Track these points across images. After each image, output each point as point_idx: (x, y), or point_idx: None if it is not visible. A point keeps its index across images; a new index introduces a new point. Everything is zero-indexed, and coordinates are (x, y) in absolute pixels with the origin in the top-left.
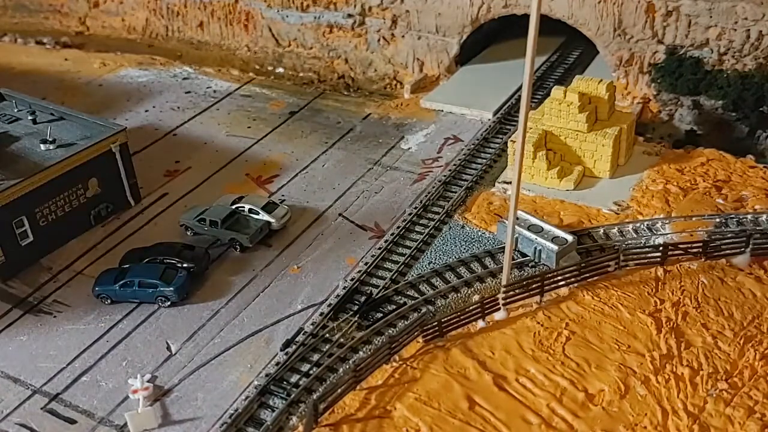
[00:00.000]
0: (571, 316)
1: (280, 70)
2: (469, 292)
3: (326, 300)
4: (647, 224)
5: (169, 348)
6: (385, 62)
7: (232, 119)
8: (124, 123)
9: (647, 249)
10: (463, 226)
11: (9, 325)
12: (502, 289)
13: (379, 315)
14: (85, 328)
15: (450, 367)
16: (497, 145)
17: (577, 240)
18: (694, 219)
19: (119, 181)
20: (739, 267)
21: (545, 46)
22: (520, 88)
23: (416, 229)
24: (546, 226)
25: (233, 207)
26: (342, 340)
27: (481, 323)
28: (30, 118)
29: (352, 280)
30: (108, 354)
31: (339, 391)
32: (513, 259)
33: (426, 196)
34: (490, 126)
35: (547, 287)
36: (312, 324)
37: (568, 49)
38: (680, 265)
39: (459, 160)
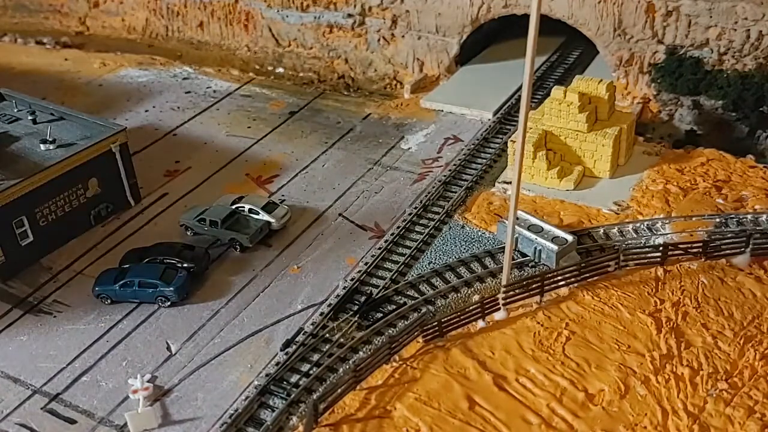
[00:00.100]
0: (571, 316)
1: (280, 70)
2: (469, 292)
3: (326, 300)
4: (647, 224)
5: (169, 348)
6: (385, 62)
7: (232, 119)
8: (124, 123)
9: (647, 249)
10: (463, 226)
11: (9, 325)
12: (502, 289)
13: (379, 315)
14: (85, 328)
15: (450, 367)
16: (497, 145)
17: (577, 240)
18: (694, 219)
19: (119, 181)
20: (739, 267)
21: (545, 46)
22: (520, 88)
23: (416, 229)
24: (546, 226)
25: (233, 207)
26: (342, 340)
27: (481, 323)
28: (30, 118)
29: (352, 280)
30: (108, 354)
31: (339, 391)
32: (513, 259)
33: (426, 196)
34: (490, 126)
35: (547, 287)
36: (312, 324)
37: (568, 49)
38: (680, 265)
39: (459, 160)
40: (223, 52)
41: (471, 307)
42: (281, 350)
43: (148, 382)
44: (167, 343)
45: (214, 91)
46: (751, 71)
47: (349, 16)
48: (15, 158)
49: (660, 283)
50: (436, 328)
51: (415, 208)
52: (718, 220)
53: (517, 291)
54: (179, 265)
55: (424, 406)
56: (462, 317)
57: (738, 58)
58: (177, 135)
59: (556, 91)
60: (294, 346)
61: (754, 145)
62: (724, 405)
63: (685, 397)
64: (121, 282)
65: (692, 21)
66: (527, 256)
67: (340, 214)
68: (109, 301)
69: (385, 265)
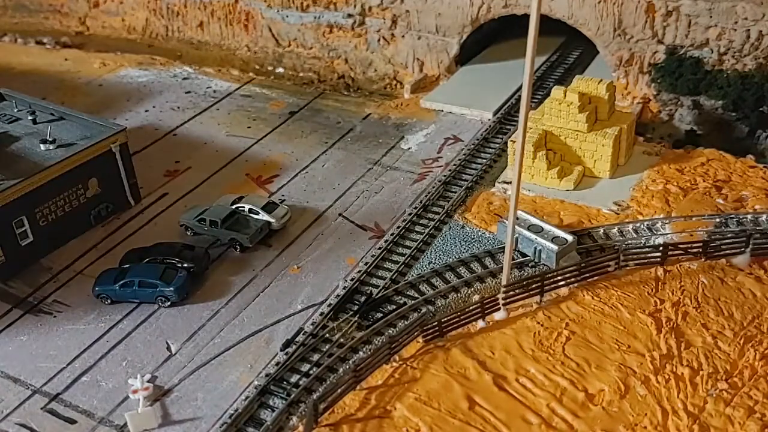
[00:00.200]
0: (571, 316)
1: (280, 70)
2: (469, 292)
3: (326, 300)
4: (647, 224)
5: (169, 348)
6: (385, 62)
7: (232, 119)
8: (124, 123)
9: (647, 249)
10: (463, 226)
11: (9, 325)
12: (502, 289)
13: (379, 315)
14: (85, 328)
15: (450, 367)
16: (497, 145)
17: (577, 240)
18: (694, 219)
19: (119, 181)
20: (739, 267)
21: (545, 46)
22: (520, 88)
23: (416, 229)
24: (546, 226)
25: (233, 207)
26: (342, 340)
27: (481, 323)
28: (30, 118)
29: (352, 280)
30: (108, 354)
31: (339, 391)
32: (513, 259)
33: (426, 196)
34: (490, 126)
35: (547, 287)
36: (312, 324)
37: (568, 49)
38: (680, 265)
39: (459, 160)
40: (223, 52)
41: (471, 307)
42: (281, 350)
43: (148, 382)
44: (167, 343)
45: (214, 91)
46: (751, 71)
47: (349, 16)
48: (15, 158)
49: (660, 283)
50: (436, 328)
51: (415, 208)
52: (718, 220)
53: (517, 291)
54: (179, 265)
55: (424, 406)
56: (462, 317)
57: (738, 58)
58: (177, 135)
59: (556, 91)
60: (294, 346)
61: (754, 145)
62: (724, 405)
63: (685, 397)
64: (121, 282)
65: (692, 21)
66: (527, 256)
67: (340, 214)
68: (109, 301)
69: (385, 265)
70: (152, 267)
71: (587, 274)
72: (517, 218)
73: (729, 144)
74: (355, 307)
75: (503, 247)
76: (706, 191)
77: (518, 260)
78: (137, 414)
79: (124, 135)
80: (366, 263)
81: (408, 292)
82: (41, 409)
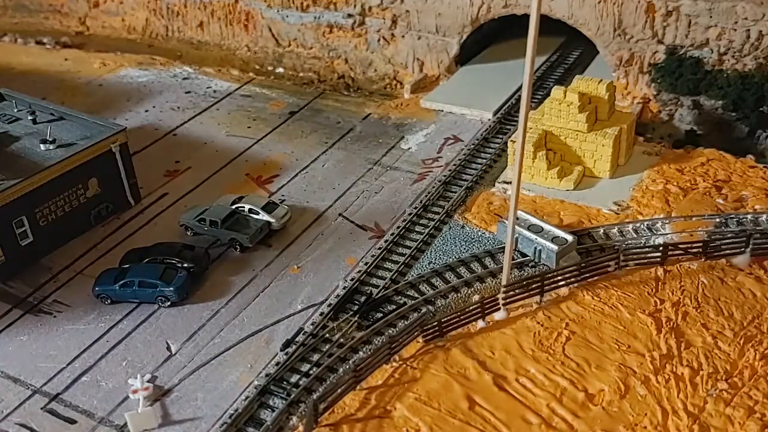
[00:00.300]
0: (571, 316)
1: (280, 70)
2: (469, 292)
3: (326, 300)
4: (647, 224)
5: (169, 348)
6: (385, 62)
7: (232, 119)
8: (124, 123)
9: (647, 249)
10: (463, 226)
11: (9, 325)
12: (502, 289)
13: (379, 315)
14: (85, 328)
15: (450, 367)
16: (497, 145)
17: (577, 240)
18: (694, 219)
19: (119, 181)
20: (739, 267)
21: (545, 46)
22: (520, 88)
23: (416, 229)
24: (546, 226)
25: (233, 207)
26: (342, 340)
27: (481, 323)
28: (30, 118)
29: (352, 280)
30: (108, 354)
31: (339, 391)
32: (513, 259)
33: (426, 196)
34: (490, 126)
35: (547, 287)
36: (312, 324)
37: (568, 49)
38: (680, 265)
39: (459, 160)
40: (223, 52)
41: (471, 307)
42: (281, 350)
43: (148, 382)
44: (167, 343)
45: (214, 91)
46: (751, 71)
47: (349, 16)
48: (15, 158)
49: (660, 283)
50: (436, 328)
51: (415, 208)
52: (718, 220)
53: (517, 291)
54: (179, 265)
55: (424, 406)
56: (462, 317)
57: (738, 58)
58: (177, 135)
59: (556, 91)
60: (294, 346)
61: (754, 145)
62: (724, 405)
63: (685, 397)
64: (121, 282)
65: (692, 21)
66: (527, 256)
67: (340, 214)
68: (109, 301)
69: (385, 265)
70: (152, 267)
71: (587, 274)
72: (517, 218)
73: (729, 144)
74: (355, 307)
75: (503, 247)
76: (706, 191)
77: (518, 260)
78: (137, 414)
79: (124, 135)
80: (366, 263)
81: (408, 292)
82: (41, 409)
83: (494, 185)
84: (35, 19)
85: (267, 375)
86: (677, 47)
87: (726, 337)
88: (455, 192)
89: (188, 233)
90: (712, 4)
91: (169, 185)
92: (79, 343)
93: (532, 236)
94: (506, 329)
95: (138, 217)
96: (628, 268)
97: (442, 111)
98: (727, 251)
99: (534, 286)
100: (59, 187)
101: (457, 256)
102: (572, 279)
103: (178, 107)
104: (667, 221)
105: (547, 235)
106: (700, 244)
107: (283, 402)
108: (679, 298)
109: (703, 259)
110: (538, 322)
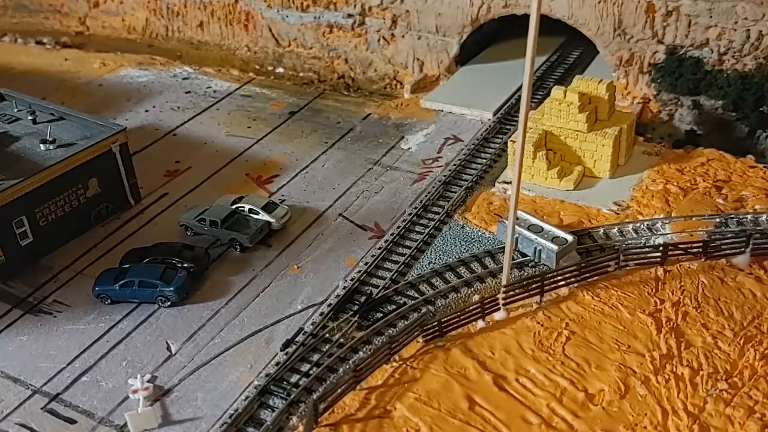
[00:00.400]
0: (571, 316)
1: (280, 70)
2: (469, 292)
3: (326, 300)
4: (647, 224)
5: (169, 348)
6: (385, 62)
7: (232, 119)
8: (124, 123)
9: (647, 249)
10: (463, 226)
11: (9, 325)
12: (502, 289)
13: (379, 315)
14: (85, 328)
15: (450, 367)
16: (497, 145)
17: (577, 240)
18: (694, 219)
19: (119, 181)
20: (739, 267)
21: (545, 46)
22: (520, 88)
23: (416, 229)
24: (546, 226)
25: (233, 207)
26: (342, 340)
27: (481, 323)
28: (30, 118)
29: (352, 280)
30: (108, 354)
31: (339, 391)
32: (513, 259)
33: (426, 196)
34: (490, 126)
35: (547, 287)
36: (312, 324)
37: (568, 49)
38: (680, 265)
39: (459, 160)
40: (223, 52)
41: (471, 307)
42: (281, 350)
43: (148, 382)
44: (167, 343)
45: (214, 91)
46: (751, 71)
47: (349, 16)
48: (15, 158)
49: (660, 283)
50: (436, 328)
51: (415, 208)
52: (718, 220)
53: (517, 291)
54: (179, 265)
55: (424, 406)
56: (462, 317)
57: (738, 58)
58: (177, 135)
59: (556, 91)
60: (294, 346)
61: (754, 145)
62: (724, 405)
63: (685, 397)
64: (121, 282)
65: (692, 21)
66: (527, 256)
67: (340, 214)
68: (109, 301)
69: (385, 265)
70: (152, 267)
71: (587, 274)
72: (517, 218)
73: (729, 144)
74: (355, 307)
75: (503, 247)
76: (706, 191)
77: (518, 260)
78: (137, 414)
79: (124, 135)
80: (366, 263)
81: (408, 292)
82: (41, 409)
83: (494, 185)
84: (35, 19)
85: (267, 375)
86: (677, 47)
87: (726, 337)
88: (455, 192)
89: (188, 233)
90: (712, 4)
91: (169, 185)
92: (79, 343)
93: (532, 236)
94: (506, 329)
95: (138, 217)
96: (628, 268)
97: (442, 111)
98: (727, 251)
99: (534, 286)
100: (59, 187)
101: (457, 256)
102: (572, 279)
103: (178, 107)
104: (667, 221)
105: (547, 235)
106: (700, 244)
107: (283, 402)
108: (679, 298)
109: (703, 259)
110: (538, 322)
